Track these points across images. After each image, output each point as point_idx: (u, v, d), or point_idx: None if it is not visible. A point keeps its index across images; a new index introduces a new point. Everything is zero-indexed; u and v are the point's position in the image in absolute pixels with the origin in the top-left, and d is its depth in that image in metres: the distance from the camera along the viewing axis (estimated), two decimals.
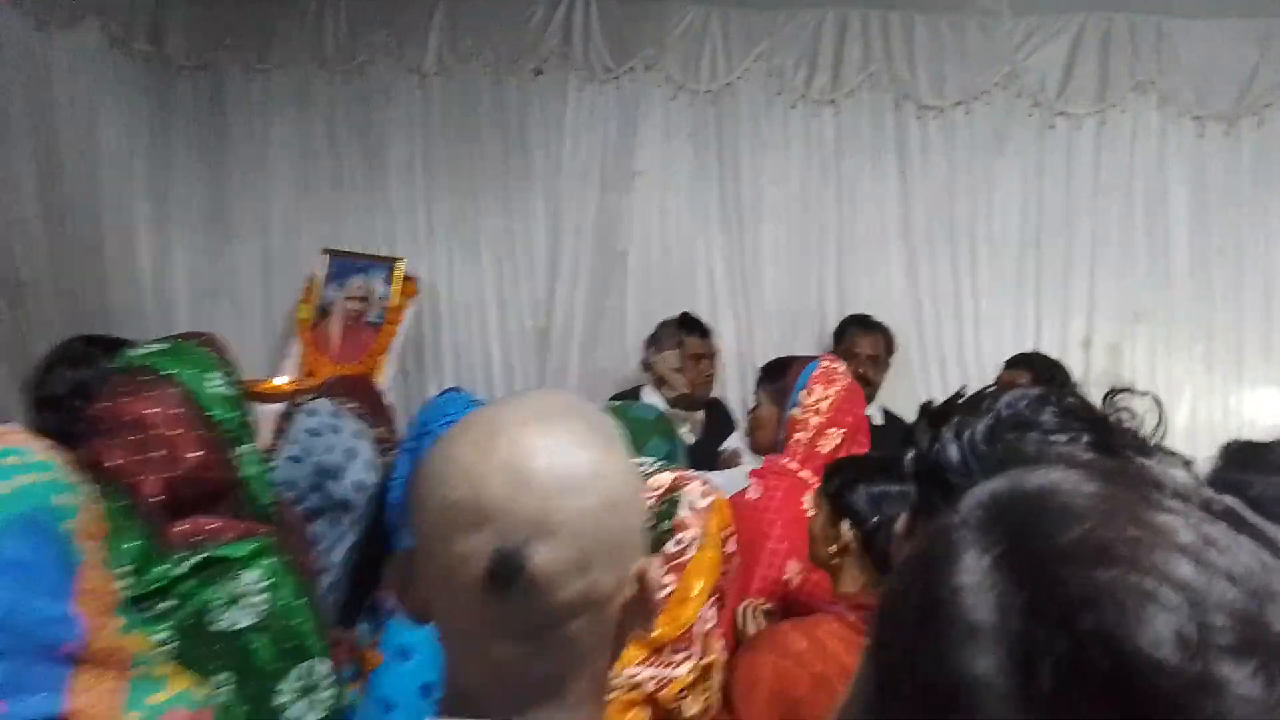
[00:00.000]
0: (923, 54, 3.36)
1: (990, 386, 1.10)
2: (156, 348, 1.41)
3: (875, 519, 1.56)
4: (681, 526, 1.57)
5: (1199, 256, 3.13)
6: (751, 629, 1.82)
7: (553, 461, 0.68)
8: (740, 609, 1.89)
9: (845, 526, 1.59)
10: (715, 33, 3.62)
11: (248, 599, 1.38)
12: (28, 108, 3.82)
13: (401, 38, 4.03)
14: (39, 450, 1.00)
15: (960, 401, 1.02)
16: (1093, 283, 3.23)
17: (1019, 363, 2.81)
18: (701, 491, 1.61)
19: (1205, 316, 3.14)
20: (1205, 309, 3.14)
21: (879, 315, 3.31)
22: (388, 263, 3.83)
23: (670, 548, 1.57)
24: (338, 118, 4.15)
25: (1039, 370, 2.76)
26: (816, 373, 2.10)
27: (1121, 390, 0.91)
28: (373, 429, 2.13)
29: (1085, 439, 0.88)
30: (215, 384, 1.40)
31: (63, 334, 3.90)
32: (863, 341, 3.16)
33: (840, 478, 1.61)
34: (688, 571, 1.57)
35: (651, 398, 3.35)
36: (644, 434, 2.10)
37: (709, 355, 3.32)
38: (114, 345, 1.71)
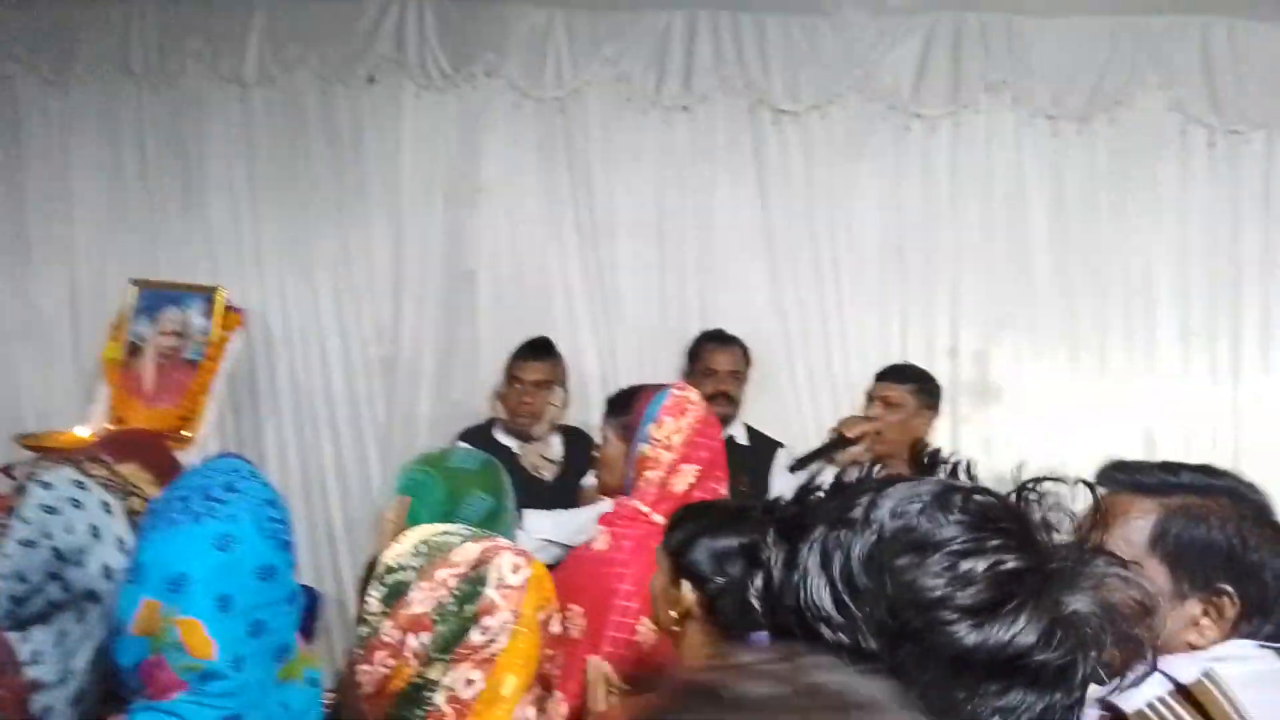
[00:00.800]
0: (776, 56, 3.21)
1: (863, 463, 0.84)
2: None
3: (719, 579, 1.34)
4: (488, 610, 1.31)
5: (1060, 259, 3.07)
6: (597, 705, 1.57)
7: None
8: (591, 676, 1.65)
9: (686, 589, 1.36)
10: (559, 36, 3.39)
11: None
12: None
13: (217, 45, 3.65)
14: None
15: (822, 495, 0.75)
16: (956, 290, 3.13)
17: (891, 375, 2.67)
18: (513, 565, 1.34)
19: (1069, 321, 3.07)
20: (1069, 313, 3.08)
21: (742, 329, 3.14)
22: (205, 292, 3.45)
23: (475, 637, 1.30)
24: (148, 133, 3.74)
25: (913, 382, 2.62)
26: (667, 403, 1.88)
27: (1036, 480, 0.69)
28: (123, 495, 1.78)
29: (1006, 557, 0.64)
30: None
31: None
32: (720, 357, 2.97)
33: (680, 531, 1.39)
34: (498, 665, 1.30)
35: (500, 434, 3.09)
36: (464, 488, 1.83)
37: (532, 381, 3.06)
38: None
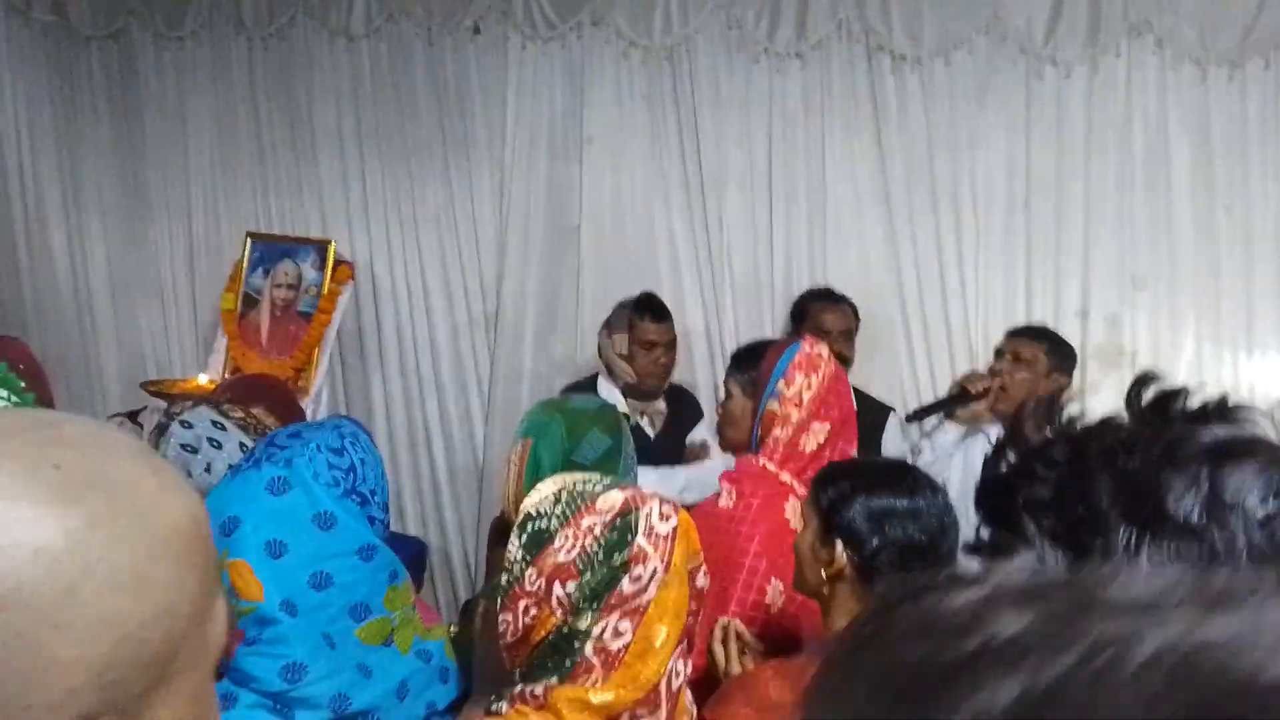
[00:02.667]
0: (897, 0, 3.05)
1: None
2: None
3: (877, 541, 1.28)
4: (638, 559, 1.27)
5: (1203, 215, 2.86)
6: (735, 671, 1.53)
7: None
8: (716, 632, 1.61)
9: (839, 548, 1.30)
10: None
11: None
12: None
13: None
14: None
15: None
16: (1087, 247, 2.95)
17: (1025, 332, 2.53)
18: (661, 513, 1.30)
19: (1211, 281, 2.87)
20: (1211, 272, 2.87)
21: (855, 287, 3.02)
22: (318, 245, 3.49)
23: (625, 587, 1.27)
24: (259, 88, 3.79)
25: (1048, 341, 2.48)
26: (797, 359, 1.81)
27: None
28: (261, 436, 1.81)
29: None
30: (3, 401, 1.10)
31: None
32: (830, 316, 2.86)
33: (834, 489, 1.32)
34: (648, 616, 1.27)
35: (606, 388, 3.05)
36: (582, 426, 1.81)
37: (663, 343, 2.99)
38: None
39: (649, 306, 3.00)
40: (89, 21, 3.97)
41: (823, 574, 1.33)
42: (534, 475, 1.83)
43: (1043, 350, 2.45)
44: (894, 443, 2.85)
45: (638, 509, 1.31)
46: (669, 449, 3.01)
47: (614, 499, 1.33)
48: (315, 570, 1.27)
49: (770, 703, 1.25)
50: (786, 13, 3.16)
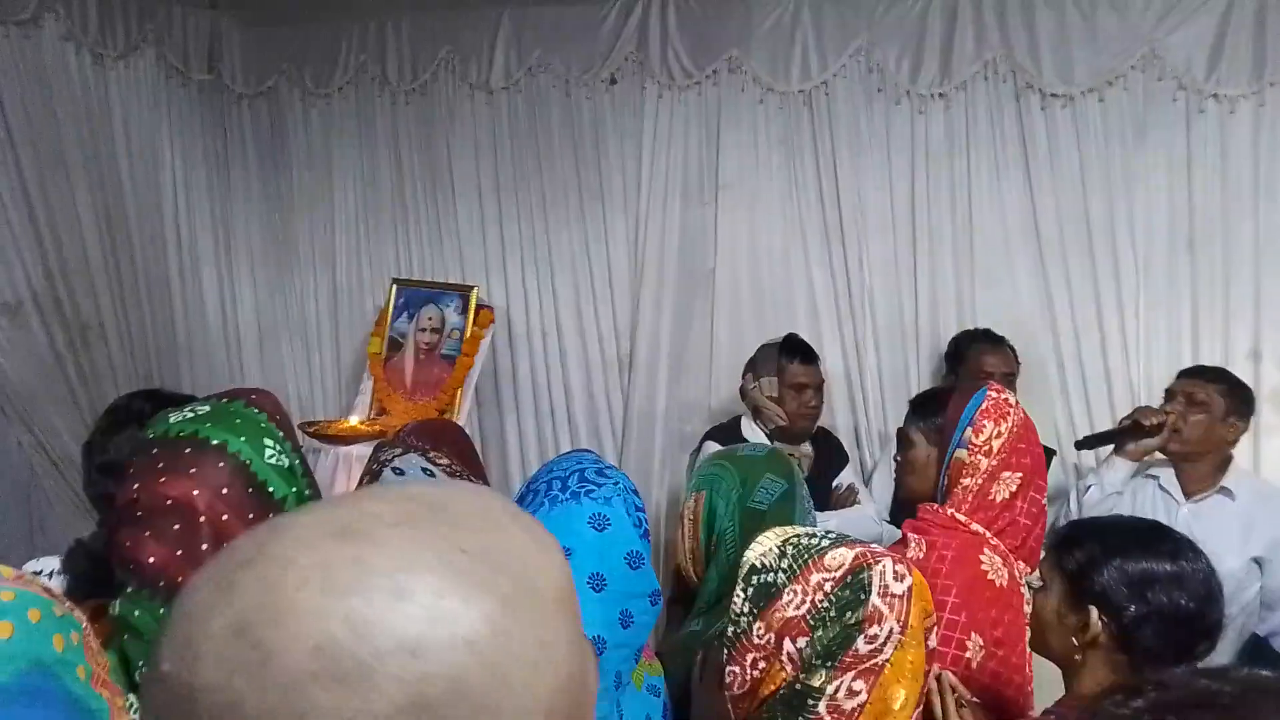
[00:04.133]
0: (1046, 37, 3.01)
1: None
2: (200, 410, 1.14)
3: (1136, 609, 1.23)
4: (873, 619, 1.26)
5: None
6: (949, 718, 1.49)
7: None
8: (931, 683, 1.56)
9: (1094, 615, 1.26)
10: (806, 27, 3.31)
11: None
12: (86, 144, 3.70)
13: (465, 53, 3.81)
14: (6, 583, 0.73)
15: None
16: (1258, 287, 2.82)
17: (1199, 372, 2.43)
18: (895, 572, 1.29)
19: None
20: None
21: (1006, 329, 2.95)
22: (460, 291, 3.59)
23: (861, 647, 1.25)
24: (401, 141, 3.95)
25: (1225, 383, 2.37)
26: (985, 406, 1.77)
27: None
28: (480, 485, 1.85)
29: None
30: (272, 453, 1.14)
31: (130, 379, 3.81)
32: (992, 359, 2.80)
33: (1082, 551, 1.28)
34: (884, 678, 1.25)
35: (750, 430, 3.03)
36: (755, 473, 1.81)
37: (813, 385, 2.97)
38: (176, 401, 1.45)
39: (798, 349, 2.99)
40: (241, 80, 4.20)
41: (1073, 640, 1.28)
42: (709, 526, 1.83)
43: (1218, 392, 2.34)
44: (1053, 486, 2.76)
45: (870, 567, 1.30)
46: (816, 493, 2.96)
47: (844, 556, 1.32)
48: (623, 608, 1.31)
49: None
50: (930, 54, 3.15)
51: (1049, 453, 2.83)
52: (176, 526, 1.05)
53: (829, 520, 2.91)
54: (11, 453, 3.46)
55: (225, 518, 1.08)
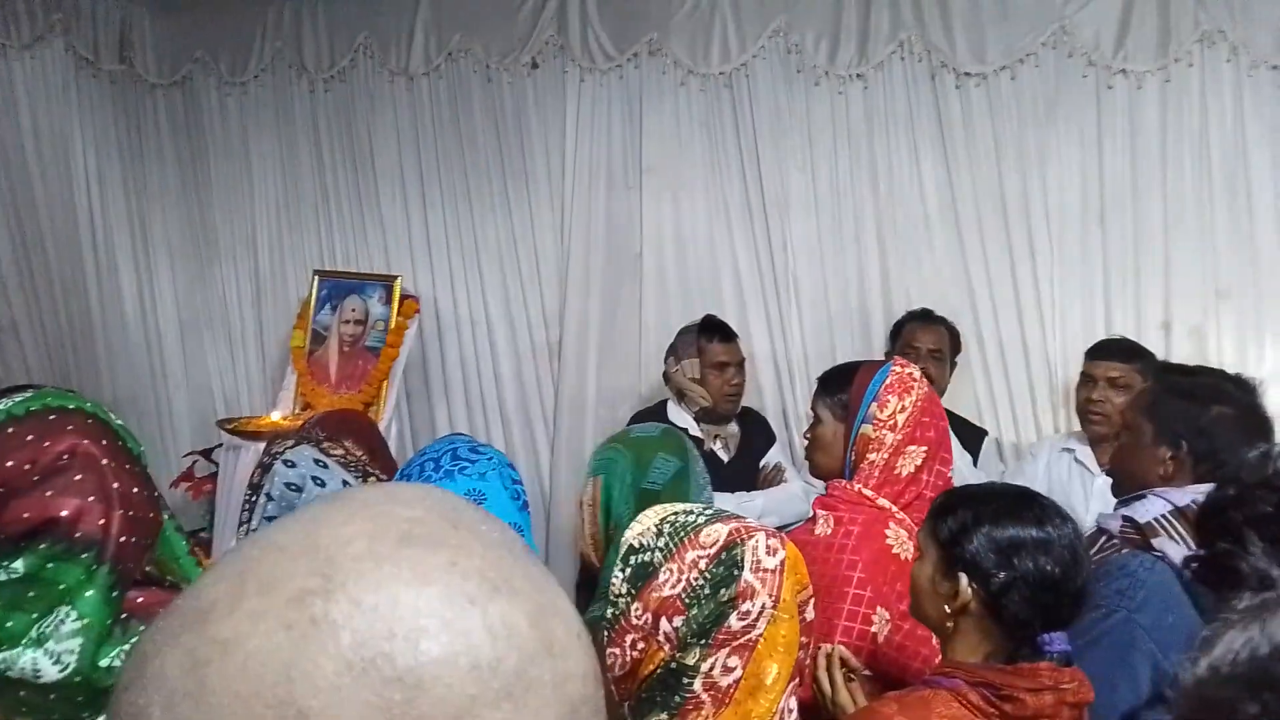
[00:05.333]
0: (959, 17, 3.02)
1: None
2: (26, 394, 1.13)
3: (1005, 575, 1.23)
4: (746, 594, 1.25)
5: None
6: (843, 699, 1.48)
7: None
8: (820, 660, 1.56)
9: (964, 582, 1.26)
10: (725, 9, 3.29)
11: None
12: None
13: (384, 39, 3.73)
14: None
15: None
16: (1168, 259, 2.87)
17: (1105, 351, 2.46)
18: (768, 546, 1.27)
19: None
20: None
21: (928, 306, 2.97)
22: (384, 281, 3.53)
23: (734, 623, 1.24)
24: (321, 128, 3.87)
25: (1138, 359, 2.40)
26: (889, 381, 1.77)
27: None
28: (367, 475, 1.81)
29: None
30: (114, 416, 1.15)
31: (47, 378, 3.69)
32: (922, 335, 2.82)
33: (954, 519, 1.28)
34: (758, 653, 1.24)
35: (676, 413, 3.02)
36: (647, 453, 1.79)
37: (734, 363, 2.97)
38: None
39: (716, 328, 2.99)
40: (154, 69, 4.09)
41: (945, 608, 1.28)
42: (607, 510, 1.81)
43: (1136, 370, 2.37)
44: (990, 466, 2.79)
45: (743, 542, 1.28)
46: (743, 473, 2.97)
47: (718, 532, 1.30)
48: None
49: None
50: (846, 35, 3.14)
51: (982, 432, 2.86)
52: (79, 476, 1.05)
53: (756, 499, 2.91)
54: None
55: (113, 464, 1.09)
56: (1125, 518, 1.61)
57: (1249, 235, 2.81)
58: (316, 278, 3.63)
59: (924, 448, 1.76)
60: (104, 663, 0.99)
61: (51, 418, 1.08)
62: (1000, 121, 3.00)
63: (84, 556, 1.03)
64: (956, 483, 1.77)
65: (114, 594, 1.03)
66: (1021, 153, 2.98)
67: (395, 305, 3.46)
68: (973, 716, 1.25)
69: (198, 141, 4.05)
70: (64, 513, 1.03)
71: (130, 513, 1.08)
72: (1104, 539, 1.63)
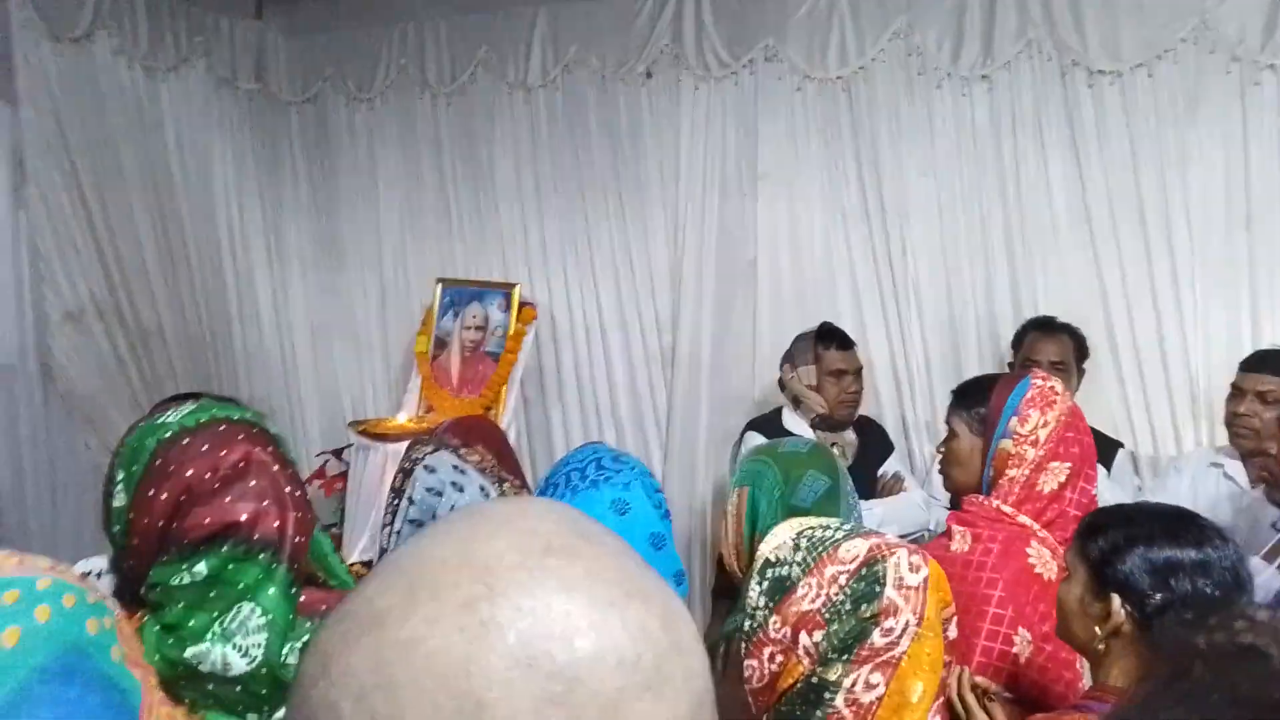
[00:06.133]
0: (1091, 13, 2.90)
1: None
2: (185, 408, 1.21)
3: (1161, 597, 1.19)
4: (889, 611, 1.24)
5: None
6: (975, 717, 1.45)
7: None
8: (952, 684, 1.53)
9: (1117, 604, 1.22)
10: (843, 11, 3.26)
11: None
12: (141, 155, 3.82)
13: (502, 52, 3.83)
14: (43, 573, 0.77)
15: None
16: None
17: (1258, 364, 2.33)
18: (910, 563, 1.26)
19: None
20: None
21: (1059, 312, 2.85)
22: (504, 289, 3.63)
23: (876, 640, 1.23)
24: (443, 141, 4.00)
25: None
26: (1030, 395, 1.72)
27: None
28: (500, 480, 1.87)
29: None
30: (267, 422, 1.23)
31: (191, 380, 3.94)
32: (1044, 346, 2.72)
33: (1106, 539, 1.24)
34: (901, 670, 1.23)
35: (792, 420, 3.00)
36: (797, 469, 1.79)
37: (852, 370, 2.94)
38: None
39: (833, 335, 2.96)
40: (288, 88, 4.30)
41: (1096, 630, 1.25)
42: (752, 522, 1.82)
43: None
44: (1124, 479, 2.68)
45: (884, 559, 1.27)
46: (860, 481, 2.92)
47: (858, 548, 1.30)
48: None
49: None
50: (971, 35, 3.07)
51: (1115, 444, 2.74)
52: (254, 482, 1.12)
53: (874, 508, 2.87)
54: (79, 455, 3.59)
55: (284, 470, 1.17)
56: None
57: None
58: (439, 285, 3.75)
59: (1068, 464, 1.71)
60: (285, 656, 1.06)
61: (222, 428, 1.16)
62: (1136, 121, 2.87)
63: (262, 557, 1.10)
64: None
65: (292, 590, 1.10)
66: (1160, 153, 2.85)
67: (514, 312, 3.55)
68: None
69: (328, 156, 4.24)
70: (243, 516, 1.10)
71: (300, 514, 1.15)
72: None
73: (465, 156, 3.95)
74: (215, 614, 1.07)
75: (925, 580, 1.26)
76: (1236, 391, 2.34)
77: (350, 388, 4.23)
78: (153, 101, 3.87)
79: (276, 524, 1.12)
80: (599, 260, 3.73)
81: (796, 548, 1.33)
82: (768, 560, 1.34)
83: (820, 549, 1.31)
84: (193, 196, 4.06)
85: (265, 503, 1.12)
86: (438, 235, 4.04)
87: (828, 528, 1.36)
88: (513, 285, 3.61)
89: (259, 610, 1.05)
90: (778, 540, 1.36)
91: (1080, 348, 2.74)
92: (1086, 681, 1.62)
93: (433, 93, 3.99)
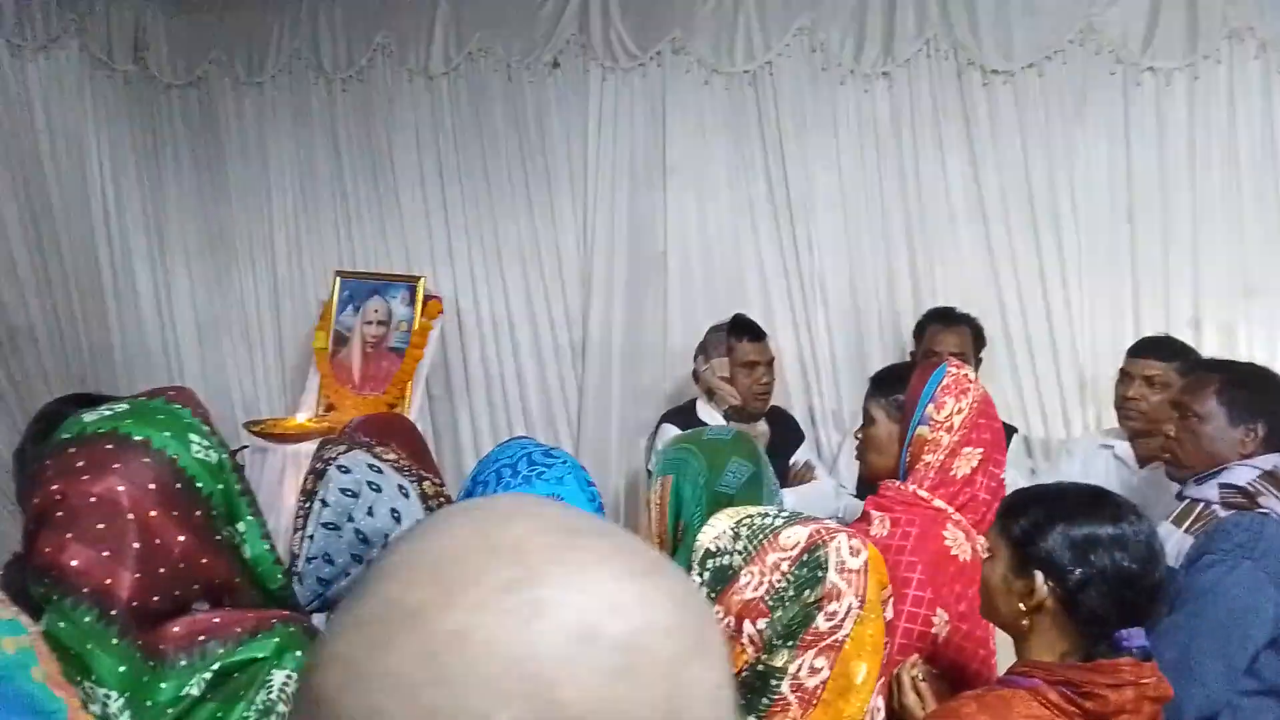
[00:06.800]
0: (985, 14, 3.02)
1: None
2: (119, 408, 1.09)
3: (1081, 572, 1.24)
4: (832, 595, 1.25)
5: None
6: (913, 702, 1.48)
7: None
8: (894, 674, 1.56)
9: (1039, 580, 1.26)
10: (749, 7, 3.29)
11: (283, 706, 1.08)
12: (7, 140, 3.55)
13: (403, 38, 3.72)
14: None
15: None
16: (1196, 257, 2.88)
17: (1145, 350, 2.47)
18: (851, 547, 1.28)
19: None
20: None
21: (956, 304, 2.96)
22: (407, 282, 3.53)
23: (820, 624, 1.24)
24: (339, 129, 3.85)
25: (1179, 359, 2.41)
26: (946, 382, 1.78)
27: None
28: (420, 479, 1.81)
29: None
30: (198, 448, 1.09)
31: (64, 382, 3.68)
32: (945, 338, 2.82)
33: (1027, 518, 1.28)
34: (845, 654, 1.24)
35: (707, 412, 3.02)
36: (721, 456, 1.79)
37: (764, 362, 2.98)
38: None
39: (746, 327, 2.99)
40: (169, 69, 4.06)
41: (1020, 606, 1.29)
42: (676, 510, 1.81)
43: (1175, 370, 2.39)
44: (1019, 463, 2.80)
45: (825, 544, 1.28)
46: (773, 471, 2.97)
47: (798, 534, 1.31)
48: None
49: None
50: (872, 33, 3.15)
51: (1010, 430, 2.86)
52: (101, 525, 1.00)
53: (787, 497, 2.91)
54: None
55: (153, 514, 1.03)
56: (1223, 484, 1.87)
57: (1277, 232, 2.82)
58: (338, 279, 3.62)
59: (980, 449, 1.77)
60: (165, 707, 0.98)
61: (109, 447, 1.04)
62: (1027, 119, 3.00)
63: (87, 619, 0.97)
64: None
65: (136, 656, 0.98)
66: (1049, 150, 2.99)
67: (419, 306, 3.45)
68: (1053, 715, 1.25)
69: (214, 143, 4.03)
70: (73, 563, 0.98)
71: (142, 577, 1.00)
72: (1201, 506, 1.88)
73: (363, 145, 3.82)
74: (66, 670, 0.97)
75: (865, 563, 1.28)
76: (1125, 376, 2.47)
77: (242, 387, 4.04)
78: (20, 83, 3.60)
79: (107, 581, 0.98)
80: (506, 253, 3.66)
81: (736, 536, 1.33)
82: (708, 551, 1.34)
83: (761, 536, 1.31)
84: (65, 185, 3.79)
85: (103, 553, 0.99)
86: (335, 226, 3.89)
87: (766, 515, 1.36)
88: (417, 278, 3.51)
89: (102, 690, 0.94)
90: (716, 530, 1.36)
91: (978, 338, 2.85)
92: (1000, 658, 1.68)
93: (327, 78, 3.84)
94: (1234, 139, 2.85)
